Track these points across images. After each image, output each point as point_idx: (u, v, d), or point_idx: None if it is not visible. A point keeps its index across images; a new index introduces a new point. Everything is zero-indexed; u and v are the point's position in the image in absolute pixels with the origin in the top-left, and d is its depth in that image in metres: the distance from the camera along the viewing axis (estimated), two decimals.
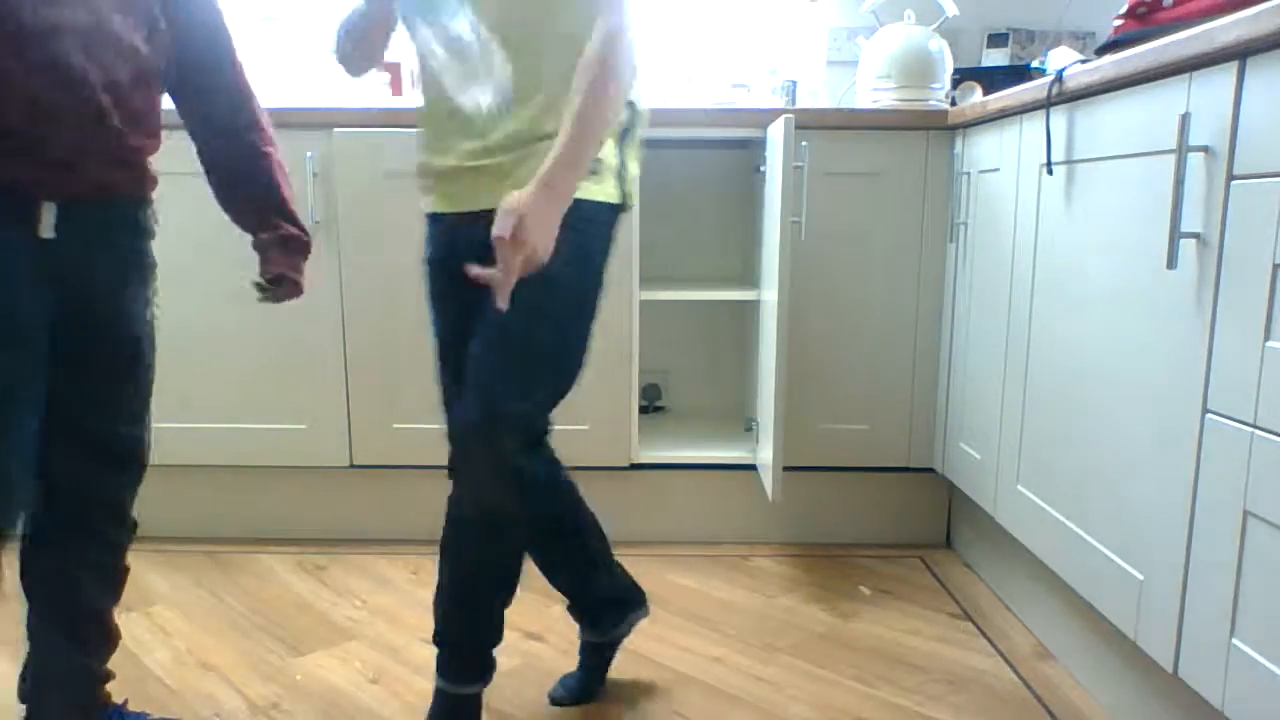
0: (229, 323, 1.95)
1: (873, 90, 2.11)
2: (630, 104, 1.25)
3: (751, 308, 2.24)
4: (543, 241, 1.06)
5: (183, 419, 2.04)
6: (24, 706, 1.24)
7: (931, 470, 2.07)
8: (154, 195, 1.23)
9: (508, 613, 1.75)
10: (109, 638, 1.28)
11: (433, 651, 1.60)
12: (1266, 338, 1.02)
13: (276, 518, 2.13)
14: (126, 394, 1.21)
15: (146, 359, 1.24)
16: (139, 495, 1.30)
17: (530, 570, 1.96)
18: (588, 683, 1.49)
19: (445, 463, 2.11)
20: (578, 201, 1.15)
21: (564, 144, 1.07)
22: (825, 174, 1.96)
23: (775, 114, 1.90)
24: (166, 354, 2.02)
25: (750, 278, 2.30)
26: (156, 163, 1.22)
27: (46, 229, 1.07)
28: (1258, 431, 1.03)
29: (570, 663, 1.57)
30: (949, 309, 1.98)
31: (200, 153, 1.27)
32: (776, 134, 1.79)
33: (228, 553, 2.06)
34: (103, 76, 1.06)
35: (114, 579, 1.27)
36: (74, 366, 1.14)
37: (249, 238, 1.32)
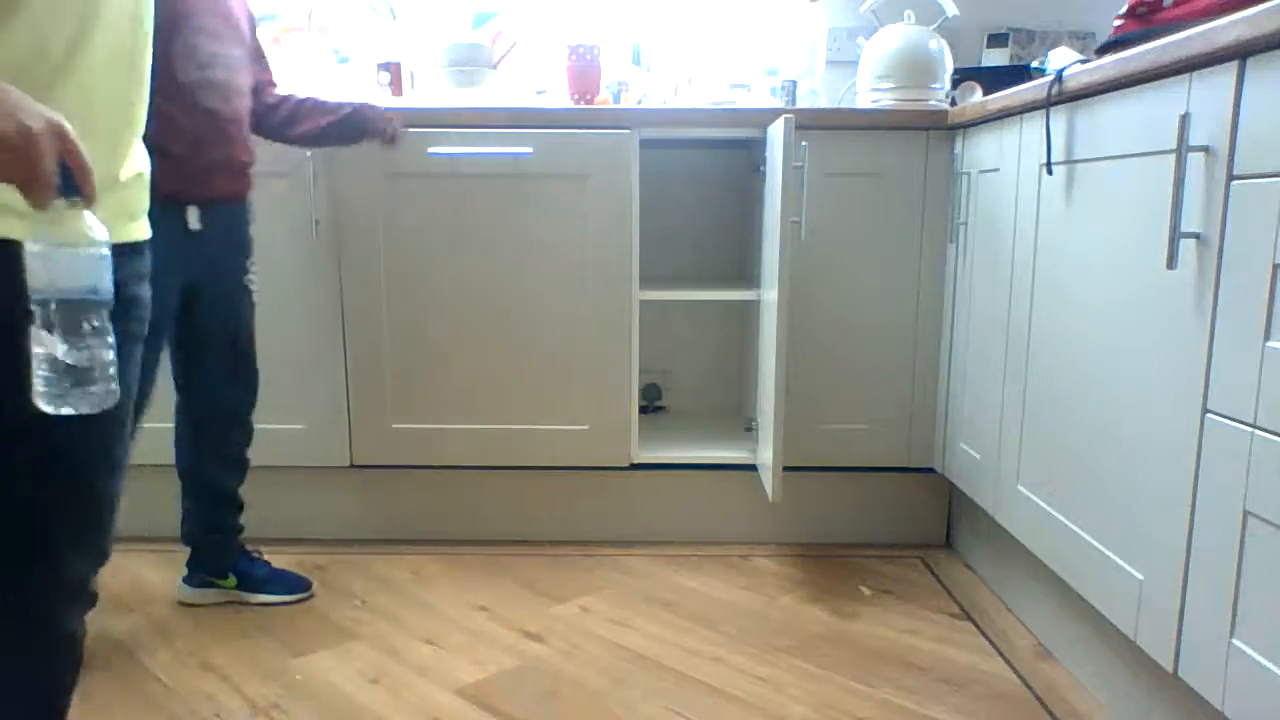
0: None
1: (872, 90, 2.11)
2: None
3: (751, 308, 2.24)
4: None
5: None
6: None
7: (931, 470, 2.07)
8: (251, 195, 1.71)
9: (508, 613, 1.76)
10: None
11: (432, 651, 1.60)
12: (1266, 338, 1.02)
13: (276, 518, 2.13)
14: (241, 335, 1.73)
15: (247, 314, 1.74)
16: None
17: (531, 572, 1.96)
18: None
19: (444, 463, 2.12)
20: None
21: None
22: (825, 174, 1.96)
23: (775, 114, 1.90)
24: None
25: (750, 278, 2.30)
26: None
27: (194, 223, 1.56)
28: (1258, 431, 1.04)
29: (570, 663, 1.57)
30: (949, 309, 1.98)
31: (306, 139, 1.80)
32: (776, 134, 1.79)
33: None
34: (232, 115, 1.58)
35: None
36: (198, 319, 1.65)
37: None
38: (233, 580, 1.79)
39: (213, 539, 1.78)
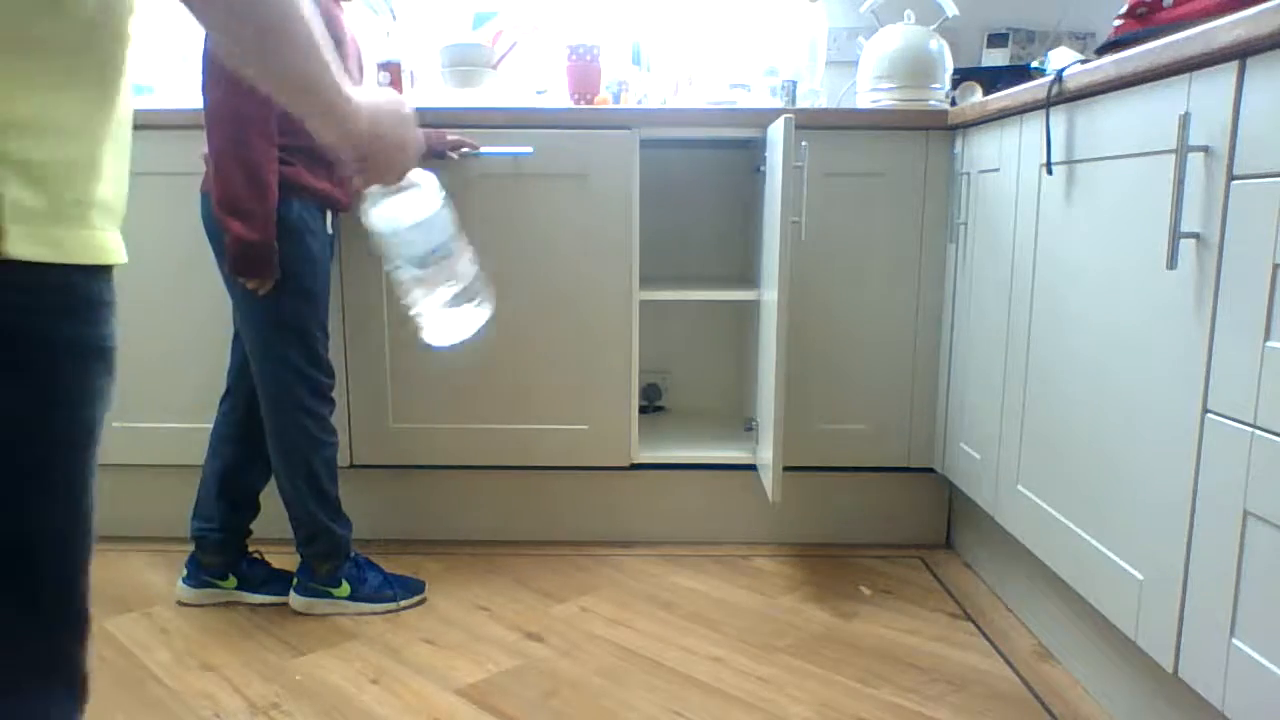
0: (228, 324, 1.94)
1: (872, 90, 2.11)
2: None
3: (751, 308, 2.24)
4: None
5: (183, 419, 2.04)
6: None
7: (931, 470, 2.07)
8: None
9: (508, 613, 1.76)
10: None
11: (433, 651, 1.60)
12: (1266, 338, 1.02)
13: (277, 518, 2.13)
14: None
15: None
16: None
17: (531, 572, 1.96)
18: None
19: (444, 463, 2.12)
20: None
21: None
22: (825, 174, 1.96)
23: (775, 114, 1.90)
24: (165, 355, 2.03)
25: (750, 278, 2.30)
26: None
27: (329, 228, 1.73)
28: (1258, 431, 1.04)
29: (570, 663, 1.57)
30: (949, 309, 1.98)
31: None
32: (776, 134, 1.79)
33: None
34: None
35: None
36: None
37: None
38: (233, 580, 1.79)
39: (223, 537, 1.78)
